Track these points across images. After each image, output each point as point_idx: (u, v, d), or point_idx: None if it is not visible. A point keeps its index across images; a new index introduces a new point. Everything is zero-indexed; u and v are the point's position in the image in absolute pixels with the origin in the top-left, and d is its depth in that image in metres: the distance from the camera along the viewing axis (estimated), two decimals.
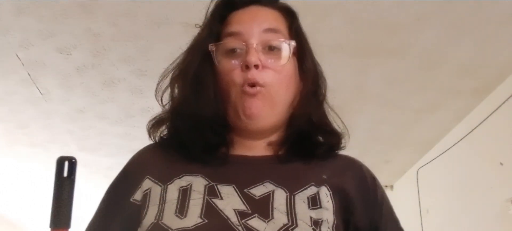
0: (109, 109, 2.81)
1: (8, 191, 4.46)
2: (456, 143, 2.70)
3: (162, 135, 0.77)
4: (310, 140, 0.72)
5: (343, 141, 0.75)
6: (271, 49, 0.70)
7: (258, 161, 0.70)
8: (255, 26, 0.70)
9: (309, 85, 0.73)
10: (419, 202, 3.12)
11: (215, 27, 0.74)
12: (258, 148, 0.72)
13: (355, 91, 2.40)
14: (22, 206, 4.93)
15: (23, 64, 2.41)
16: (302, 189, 0.66)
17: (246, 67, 0.67)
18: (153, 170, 0.70)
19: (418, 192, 3.15)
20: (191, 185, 0.65)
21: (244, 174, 0.67)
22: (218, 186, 0.65)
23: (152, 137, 0.77)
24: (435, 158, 2.95)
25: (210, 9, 0.77)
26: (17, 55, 2.33)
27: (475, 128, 2.50)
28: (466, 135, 2.59)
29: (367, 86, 2.36)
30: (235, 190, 0.64)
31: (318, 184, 0.67)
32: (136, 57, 2.29)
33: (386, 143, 2.96)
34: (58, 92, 2.66)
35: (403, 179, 3.46)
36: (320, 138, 0.74)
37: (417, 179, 3.19)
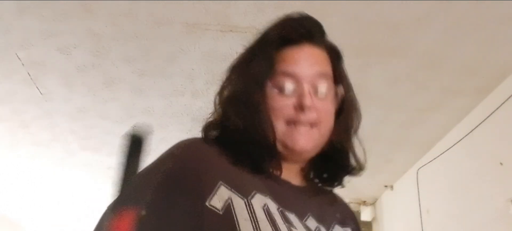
0: (110, 109, 2.82)
1: (9, 191, 4.46)
2: (456, 143, 2.70)
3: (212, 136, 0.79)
4: (333, 166, 0.82)
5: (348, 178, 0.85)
6: (321, 92, 0.77)
7: (300, 190, 0.78)
8: (309, 69, 0.77)
9: (347, 122, 0.84)
10: (419, 202, 3.12)
11: (271, 61, 0.77)
12: (293, 173, 0.79)
13: (355, 91, 2.40)
14: (23, 206, 4.94)
15: (23, 64, 2.41)
16: (331, 229, 0.76)
17: (300, 107, 0.74)
18: (225, 175, 0.68)
19: (418, 192, 3.15)
20: (268, 206, 0.67)
21: (298, 203, 0.74)
22: (286, 213, 0.69)
23: (206, 135, 0.80)
24: (435, 158, 2.95)
25: (265, 36, 0.82)
26: (17, 55, 2.34)
27: (475, 128, 2.50)
28: (466, 135, 2.59)
29: (368, 86, 2.37)
30: (298, 219, 0.70)
31: (337, 222, 0.78)
32: (136, 57, 2.30)
33: (386, 143, 2.96)
34: (59, 92, 2.66)
35: (403, 179, 3.46)
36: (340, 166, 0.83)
37: (417, 179, 3.19)
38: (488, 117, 2.40)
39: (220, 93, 0.82)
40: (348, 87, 0.84)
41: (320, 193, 0.82)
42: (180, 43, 2.16)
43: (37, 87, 2.63)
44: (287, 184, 0.76)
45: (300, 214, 0.71)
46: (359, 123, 0.87)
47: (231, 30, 2.05)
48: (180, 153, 0.71)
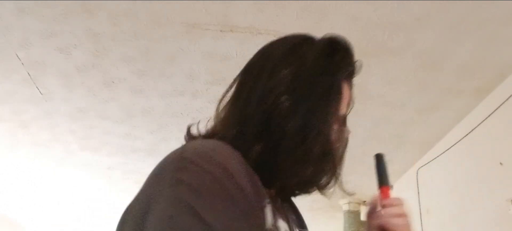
0: (110, 109, 2.82)
1: (9, 191, 4.46)
2: (456, 143, 2.70)
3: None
4: None
5: None
6: None
7: (283, 203, 0.75)
8: None
9: None
10: (419, 202, 3.12)
11: (348, 94, 0.77)
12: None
13: (355, 91, 2.40)
14: (22, 206, 4.94)
15: (23, 64, 2.41)
16: None
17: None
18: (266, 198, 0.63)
19: (418, 192, 3.15)
20: (285, 227, 0.67)
21: (291, 216, 0.75)
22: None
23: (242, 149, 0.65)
24: (435, 158, 2.96)
25: (347, 67, 0.79)
26: (17, 55, 2.33)
27: (475, 128, 2.50)
28: (466, 135, 2.59)
29: (367, 86, 2.37)
30: None
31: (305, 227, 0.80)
32: (136, 57, 2.30)
33: (386, 143, 2.96)
34: (59, 92, 2.66)
35: (403, 179, 3.46)
36: None
37: (417, 179, 3.19)
38: (488, 117, 2.40)
39: (275, 104, 0.66)
40: None
41: (289, 200, 0.79)
42: (180, 43, 2.16)
43: (37, 87, 2.63)
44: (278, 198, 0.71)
45: (297, 226, 0.74)
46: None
47: (231, 30, 2.05)
48: (239, 179, 0.56)
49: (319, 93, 0.68)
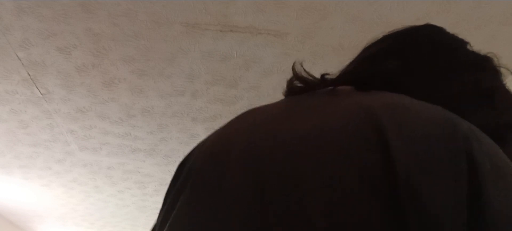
0: (110, 109, 2.82)
1: (8, 191, 4.46)
2: None
3: None
4: None
5: None
6: None
7: None
8: None
9: None
10: None
11: None
12: None
13: None
14: (22, 206, 4.93)
15: (23, 64, 2.41)
16: None
17: None
18: None
19: None
20: None
21: None
22: None
23: None
24: None
25: None
26: (17, 55, 2.33)
27: None
28: None
29: None
30: None
31: None
32: (136, 57, 2.30)
33: None
34: (58, 92, 2.66)
35: None
36: None
37: None
38: None
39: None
40: None
41: None
42: (180, 43, 2.16)
43: (37, 87, 2.63)
44: None
45: None
46: None
47: (231, 30, 2.05)
48: None
49: None
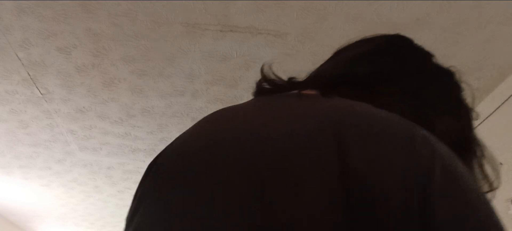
0: (109, 109, 2.82)
1: (8, 191, 4.46)
2: None
3: None
4: None
5: None
6: None
7: None
8: None
9: None
10: None
11: None
12: None
13: None
14: (22, 206, 4.93)
15: (23, 64, 2.41)
16: None
17: None
18: None
19: None
20: None
21: None
22: None
23: None
24: None
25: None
26: (17, 55, 2.34)
27: (475, 128, 2.50)
28: None
29: None
30: None
31: None
32: (136, 57, 2.30)
33: None
34: (58, 92, 2.66)
35: None
36: None
37: None
38: (488, 116, 2.40)
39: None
40: None
41: None
42: (180, 43, 2.16)
43: (37, 87, 2.63)
44: None
45: None
46: None
47: (231, 30, 2.05)
48: None
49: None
